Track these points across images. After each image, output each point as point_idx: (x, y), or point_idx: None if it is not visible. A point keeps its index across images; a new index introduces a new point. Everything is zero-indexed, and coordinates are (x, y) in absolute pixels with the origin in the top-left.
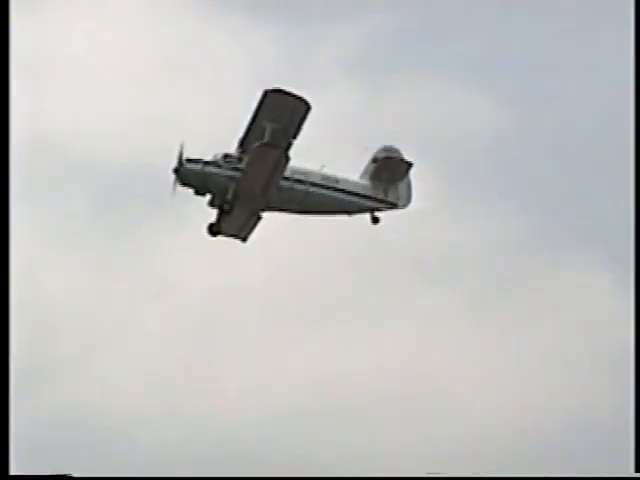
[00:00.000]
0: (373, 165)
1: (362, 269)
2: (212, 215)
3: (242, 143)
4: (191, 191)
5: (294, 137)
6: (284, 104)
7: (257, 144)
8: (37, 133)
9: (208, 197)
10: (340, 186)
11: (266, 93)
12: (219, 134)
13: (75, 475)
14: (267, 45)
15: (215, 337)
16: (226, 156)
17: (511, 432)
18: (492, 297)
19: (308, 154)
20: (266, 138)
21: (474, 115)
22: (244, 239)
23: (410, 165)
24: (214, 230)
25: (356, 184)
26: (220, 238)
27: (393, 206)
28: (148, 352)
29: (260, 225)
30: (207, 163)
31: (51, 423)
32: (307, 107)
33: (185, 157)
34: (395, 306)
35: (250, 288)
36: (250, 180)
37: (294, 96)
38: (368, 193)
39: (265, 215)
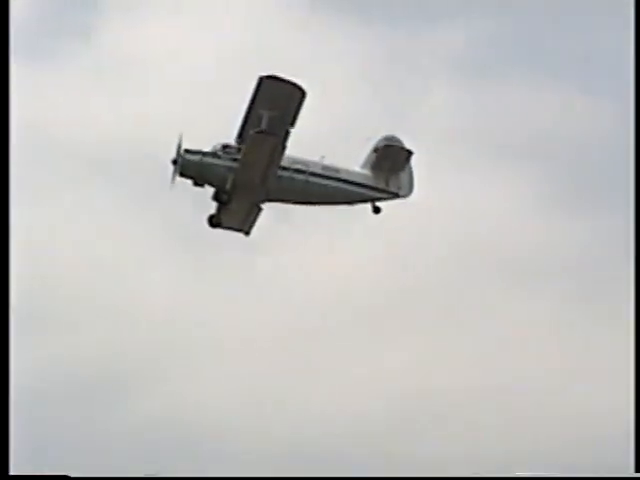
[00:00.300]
0: (374, 155)
1: (452, 270)
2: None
3: (241, 133)
4: (190, 182)
5: (291, 125)
6: (279, 91)
7: (253, 131)
8: (137, 134)
9: (212, 191)
10: (341, 176)
11: (261, 79)
12: (325, 135)
13: (75, 475)
14: (372, 45)
15: (309, 341)
16: (225, 147)
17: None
18: (587, 300)
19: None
20: (263, 126)
21: (569, 117)
22: (247, 233)
23: (410, 153)
24: (214, 222)
25: (357, 174)
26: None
27: (394, 196)
28: (242, 357)
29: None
30: (206, 154)
31: (148, 428)
32: (302, 93)
33: (184, 148)
34: (491, 309)
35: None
36: (248, 169)
37: (289, 82)
38: (369, 183)
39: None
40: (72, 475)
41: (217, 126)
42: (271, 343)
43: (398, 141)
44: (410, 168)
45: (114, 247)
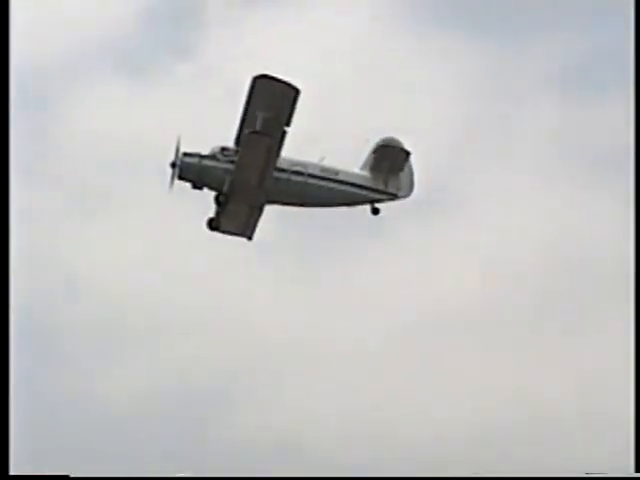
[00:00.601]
0: (373, 156)
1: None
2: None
3: (238, 136)
4: (188, 185)
5: (287, 124)
6: (273, 90)
7: (247, 132)
8: None
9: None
10: (339, 178)
11: (254, 80)
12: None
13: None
14: (473, 60)
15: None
16: (223, 149)
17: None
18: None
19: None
20: (258, 126)
21: None
22: (249, 237)
23: (408, 154)
24: (213, 225)
25: (356, 175)
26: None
27: (393, 197)
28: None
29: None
30: (204, 157)
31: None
32: (296, 92)
33: (182, 151)
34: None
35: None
36: (244, 170)
37: (282, 82)
38: (368, 184)
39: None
40: (73, 475)
41: (324, 138)
42: (368, 352)
43: (396, 142)
44: (410, 168)
45: (208, 258)
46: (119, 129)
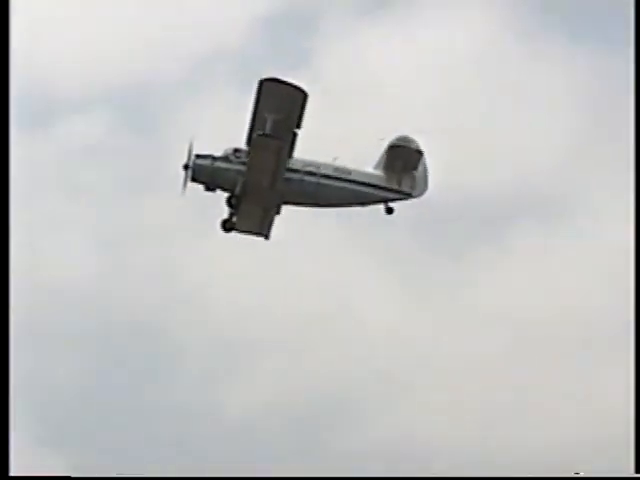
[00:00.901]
0: (386, 155)
1: None
2: None
3: (249, 137)
4: (201, 187)
5: (297, 127)
6: (280, 93)
7: (256, 135)
8: None
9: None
10: (352, 177)
11: (261, 82)
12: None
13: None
14: (585, 75)
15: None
16: (236, 151)
17: None
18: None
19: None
20: (267, 129)
21: None
22: (266, 236)
23: (420, 154)
24: (227, 226)
25: (369, 175)
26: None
27: (407, 196)
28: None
29: None
30: (216, 159)
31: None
32: (304, 95)
33: (195, 153)
34: None
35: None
36: (255, 172)
37: (289, 84)
38: (381, 184)
39: None
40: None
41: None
42: (482, 360)
43: (409, 141)
44: (425, 167)
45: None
46: (227, 139)
